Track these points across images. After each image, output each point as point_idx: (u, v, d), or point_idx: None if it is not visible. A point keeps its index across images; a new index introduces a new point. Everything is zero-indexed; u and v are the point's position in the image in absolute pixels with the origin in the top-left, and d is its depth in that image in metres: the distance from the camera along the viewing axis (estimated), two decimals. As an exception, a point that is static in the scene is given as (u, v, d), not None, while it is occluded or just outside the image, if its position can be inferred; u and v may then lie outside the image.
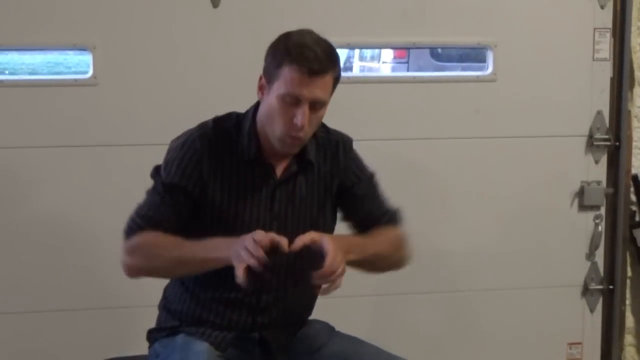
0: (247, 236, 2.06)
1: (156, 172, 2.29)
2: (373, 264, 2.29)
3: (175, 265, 2.20)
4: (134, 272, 2.25)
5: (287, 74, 2.12)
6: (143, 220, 2.23)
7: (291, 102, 2.14)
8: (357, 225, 2.37)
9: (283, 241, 2.07)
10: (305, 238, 2.10)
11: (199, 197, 2.24)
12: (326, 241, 2.09)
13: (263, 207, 2.27)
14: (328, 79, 2.15)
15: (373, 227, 2.33)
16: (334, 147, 2.34)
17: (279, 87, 2.14)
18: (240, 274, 2.02)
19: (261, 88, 2.22)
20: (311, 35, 2.18)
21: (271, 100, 2.17)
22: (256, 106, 2.28)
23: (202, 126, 2.29)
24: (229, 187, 2.25)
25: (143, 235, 2.21)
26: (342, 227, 2.40)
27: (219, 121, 2.30)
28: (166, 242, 2.19)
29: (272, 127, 2.19)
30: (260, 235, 2.05)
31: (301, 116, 2.13)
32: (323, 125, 2.31)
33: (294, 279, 2.10)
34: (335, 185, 2.34)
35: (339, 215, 2.40)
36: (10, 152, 3.08)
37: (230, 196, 2.25)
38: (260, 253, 2.01)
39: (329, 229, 2.34)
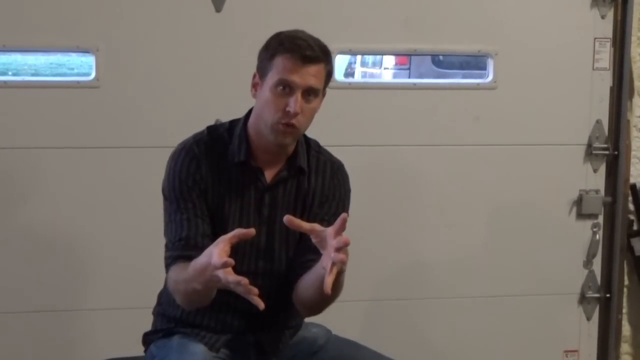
0: (210, 266, 1.95)
1: (164, 191, 2.27)
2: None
3: (197, 295, 2.12)
4: (186, 307, 2.23)
5: (280, 63, 2.15)
6: (176, 249, 2.19)
7: (284, 90, 2.15)
8: (300, 251, 2.26)
9: (246, 233, 1.97)
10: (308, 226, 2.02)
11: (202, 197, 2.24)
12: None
13: (252, 210, 2.27)
14: (321, 68, 2.17)
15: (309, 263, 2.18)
16: (322, 167, 2.33)
17: (272, 77, 2.16)
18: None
19: (255, 85, 2.24)
20: (303, 32, 2.21)
21: (265, 91, 2.18)
22: (248, 111, 2.29)
23: (197, 134, 2.30)
24: (220, 190, 2.25)
25: (173, 271, 2.18)
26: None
27: (212, 128, 2.32)
28: (183, 276, 2.12)
29: (265, 117, 2.18)
30: (218, 260, 1.92)
31: (294, 103, 2.14)
32: (317, 144, 2.34)
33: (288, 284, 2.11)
34: (317, 202, 2.30)
35: None
36: (12, 152, 3.09)
37: (221, 198, 2.25)
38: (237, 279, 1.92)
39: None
